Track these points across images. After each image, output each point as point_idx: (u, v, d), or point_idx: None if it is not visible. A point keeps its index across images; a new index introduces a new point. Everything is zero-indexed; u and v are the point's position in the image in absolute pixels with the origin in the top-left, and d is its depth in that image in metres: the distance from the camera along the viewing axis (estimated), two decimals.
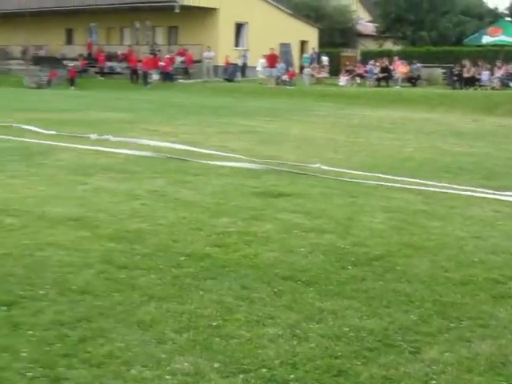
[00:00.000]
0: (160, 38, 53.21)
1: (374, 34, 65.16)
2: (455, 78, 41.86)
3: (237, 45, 52.02)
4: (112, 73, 49.15)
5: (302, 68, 50.85)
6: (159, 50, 49.13)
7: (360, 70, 47.43)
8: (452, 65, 42.99)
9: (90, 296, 5.90)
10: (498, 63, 41.49)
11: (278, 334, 5.22)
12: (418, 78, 44.72)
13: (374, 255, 7.35)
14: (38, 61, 51.37)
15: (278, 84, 44.52)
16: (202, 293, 6.05)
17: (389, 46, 60.81)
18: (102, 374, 4.55)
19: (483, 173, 13.49)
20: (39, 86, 45.90)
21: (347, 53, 57.15)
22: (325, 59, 50.86)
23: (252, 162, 13.47)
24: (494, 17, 62.41)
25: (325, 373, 4.64)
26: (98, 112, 26.16)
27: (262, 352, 4.91)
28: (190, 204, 9.74)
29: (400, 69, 44.43)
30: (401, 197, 10.74)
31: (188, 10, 47.87)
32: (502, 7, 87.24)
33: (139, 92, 40.76)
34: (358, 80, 46.50)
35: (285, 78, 45.23)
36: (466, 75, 41.06)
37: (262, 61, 46.23)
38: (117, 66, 49.63)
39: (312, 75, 47.50)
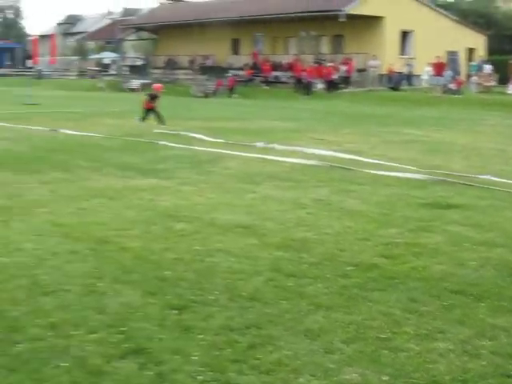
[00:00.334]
0: (325, 47, 53.41)
1: None
2: None
3: (402, 53, 51.38)
4: (277, 82, 49.75)
5: (468, 76, 49.55)
6: (324, 60, 49.30)
7: None
8: None
9: (259, 303, 5.99)
10: None
11: (449, 349, 5.10)
12: None
13: None
14: (205, 70, 52.85)
15: (444, 92, 43.59)
16: (369, 304, 6.01)
17: None
18: (270, 381, 4.61)
19: None
20: (206, 95, 47.22)
21: None
22: (488, 67, 49.21)
23: (418, 173, 13.23)
24: None
25: None
26: (263, 121, 26.55)
27: (432, 367, 4.81)
28: (355, 213, 9.71)
29: None
30: None
31: (353, 18, 47.72)
32: None
33: (303, 101, 41.06)
34: None
35: (452, 86, 44.22)
36: None
37: (428, 69, 45.46)
38: (282, 75, 50.20)
39: (479, 83, 46.18)
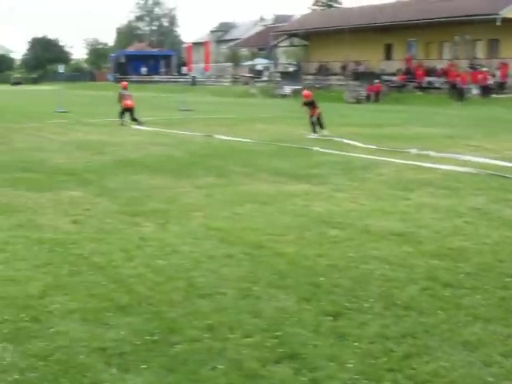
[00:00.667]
0: (480, 51, 51.94)
1: None
2: None
3: None
4: (430, 88, 48.85)
5: None
6: (479, 65, 47.95)
7: None
8: None
9: (414, 312, 5.89)
10: None
11: None
12: None
13: None
14: (358, 76, 52.61)
15: None
16: None
17: None
18: None
19: None
20: (358, 101, 47.01)
21: None
22: None
23: None
24: None
25: None
26: (416, 127, 26.12)
27: None
28: None
29: None
30: None
31: (510, 22, 46.16)
32: None
33: (457, 107, 40.10)
34: None
35: None
36: None
37: None
38: (435, 80, 49.23)
39: None
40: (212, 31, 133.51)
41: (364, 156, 16.48)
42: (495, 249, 7.99)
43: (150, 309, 5.92)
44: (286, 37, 68.44)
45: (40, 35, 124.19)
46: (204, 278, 6.83)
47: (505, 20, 45.99)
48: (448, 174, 13.81)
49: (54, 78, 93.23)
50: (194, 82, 70.99)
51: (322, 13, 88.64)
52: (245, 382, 4.67)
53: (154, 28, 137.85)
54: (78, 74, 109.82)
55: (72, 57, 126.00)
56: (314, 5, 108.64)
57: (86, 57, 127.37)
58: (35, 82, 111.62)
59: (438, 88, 48.07)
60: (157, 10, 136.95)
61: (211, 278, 6.80)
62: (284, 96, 53.93)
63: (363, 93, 48.44)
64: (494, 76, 45.88)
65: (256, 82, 70.28)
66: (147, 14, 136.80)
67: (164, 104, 43.11)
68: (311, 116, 22.12)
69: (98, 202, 10.67)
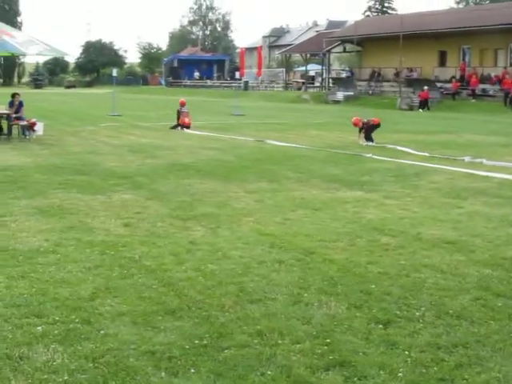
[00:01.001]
0: None
1: None
2: None
3: None
4: (484, 95, 48.25)
5: None
6: None
7: None
8: None
9: (466, 322, 5.81)
10: None
11: None
12: None
13: None
14: (411, 83, 52.21)
15: None
16: None
17: None
18: None
19: None
20: (411, 108, 46.65)
21: None
22: None
23: None
24: None
25: None
26: (470, 135, 25.86)
27: None
28: None
29: None
30: None
31: None
32: None
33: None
34: None
35: None
36: None
37: None
38: (490, 88, 48.61)
39: None
40: (265, 36, 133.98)
41: (417, 163, 16.36)
42: None
43: (199, 313, 5.93)
44: (339, 42, 68.22)
45: (94, 39, 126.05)
46: (254, 283, 6.82)
47: None
48: (502, 182, 13.62)
49: (108, 81, 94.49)
50: (246, 87, 71.27)
51: (375, 19, 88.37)
52: None
53: (207, 33, 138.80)
54: (131, 78, 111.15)
55: (126, 61, 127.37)
56: (367, 11, 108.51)
57: (139, 61, 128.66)
58: (89, 85, 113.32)
59: (492, 96, 47.48)
60: (210, 15, 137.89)
61: (262, 284, 6.79)
62: (336, 102, 53.80)
63: (416, 100, 48.03)
64: None
65: (308, 87, 70.30)
66: (201, 19, 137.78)
67: (216, 109, 43.33)
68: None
69: (149, 206, 10.75)
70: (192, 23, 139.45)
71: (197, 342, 5.30)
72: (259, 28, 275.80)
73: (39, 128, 21.92)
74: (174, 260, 7.61)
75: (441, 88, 50.34)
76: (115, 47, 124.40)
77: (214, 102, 53.31)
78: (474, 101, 47.66)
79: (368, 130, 21.85)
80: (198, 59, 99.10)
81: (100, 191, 11.94)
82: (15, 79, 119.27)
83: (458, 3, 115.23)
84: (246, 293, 6.49)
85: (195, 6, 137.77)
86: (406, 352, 5.18)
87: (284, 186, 12.79)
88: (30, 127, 21.44)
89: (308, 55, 75.93)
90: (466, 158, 17.08)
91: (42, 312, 5.88)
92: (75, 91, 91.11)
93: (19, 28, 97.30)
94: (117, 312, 5.92)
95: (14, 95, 22.46)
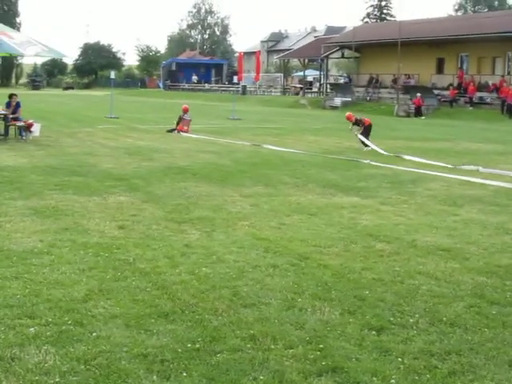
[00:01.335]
0: None
1: None
2: None
3: None
4: (482, 103, 48.32)
5: None
6: None
7: None
8: None
9: (459, 329, 5.80)
10: None
11: None
12: None
13: None
14: (408, 90, 52.24)
15: None
16: None
17: None
18: None
19: None
20: (408, 115, 46.70)
21: None
22: None
23: None
24: None
25: None
26: (467, 142, 25.88)
27: None
28: None
29: None
30: None
31: None
32: None
33: (510, 123, 39.57)
34: None
35: None
36: None
37: None
38: (487, 96, 48.67)
39: None
40: (263, 41, 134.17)
41: (413, 170, 16.36)
42: None
43: (193, 317, 5.91)
44: (337, 48, 68.30)
45: (93, 41, 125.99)
46: (248, 287, 6.81)
47: None
48: (498, 190, 13.63)
49: (106, 83, 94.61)
50: (244, 92, 71.31)
51: (374, 25, 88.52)
52: None
53: (205, 36, 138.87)
54: (129, 81, 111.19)
55: (124, 63, 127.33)
56: (366, 17, 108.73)
57: (137, 63, 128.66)
58: (86, 87, 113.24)
59: (490, 104, 47.55)
60: (209, 19, 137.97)
61: (256, 288, 6.78)
62: (334, 108, 53.83)
63: (413, 107, 48.09)
64: None
65: (306, 92, 70.35)
66: (199, 23, 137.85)
67: (214, 112, 43.33)
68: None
69: (144, 208, 10.74)
70: (191, 27, 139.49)
71: (189, 345, 5.28)
72: (258, 33, 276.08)
73: (36, 129, 21.91)
74: (168, 263, 7.60)
75: (438, 95, 50.37)
76: (113, 49, 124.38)
77: (211, 106, 53.32)
78: (471, 108, 47.71)
79: (363, 132, 21.96)
80: (197, 63, 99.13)
81: (96, 193, 11.92)
82: (13, 80, 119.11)
83: (456, 11, 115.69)
84: (239, 297, 6.48)
85: (194, 10, 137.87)
86: (399, 359, 5.17)
87: (280, 191, 12.78)
88: (27, 128, 21.42)
89: (306, 60, 75.97)
90: (463, 166, 17.12)
91: (34, 313, 5.87)
92: (73, 93, 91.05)
93: (18, 29, 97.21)
94: (110, 314, 5.91)
95: (11, 96, 22.46)
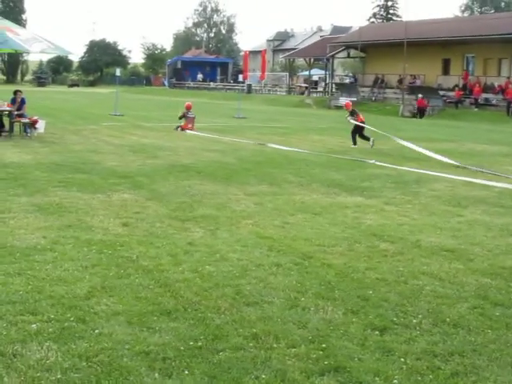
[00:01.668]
0: None
1: None
2: None
3: None
4: (487, 104, 48.24)
5: None
6: None
7: None
8: None
9: (463, 330, 5.78)
10: None
11: None
12: None
13: None
14: (414, 90, 52.17)
15: None
16: None
17: None
18: None
19: None
20: (413, 115, 46.64)
21: None
22: None
23: None
24: None
25: None
26: (472, 143, 25.85)
27: None
28: None
29: None
30: None
31: None
32: None
33: None
34: None
35: None
36: None
37: None
38: (493, 97, 48.59)
39: None
40: (269, 40, 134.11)
41: (418, 170, 16.33)
42: None
43: (195, 314, 5.90)
44: (343, 48, 68.26)
45: (98, 38, 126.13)
46: (251, 286, 6.79)
47: None
48: (503, 192, 13.59)
49: (111, 81, 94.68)
50: (249, 90, 71.29)
51: (380, 25, 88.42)
52: None
53: (211, 35, 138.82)
54: (134, 78, 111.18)
55: (130, 61, 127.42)
56: (372, 17, 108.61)
57: (142, 61, 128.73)
58: (92, 84, 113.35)
59: (495, 105, 47.46)
60: (215, 17, 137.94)
61: (259, 287, 6.77)
62: (339, 107, 53.74)
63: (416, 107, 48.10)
64: None
65: (311, 92, 70.32)
66: (205, 21, 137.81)
67: (219, 111, 43.33)
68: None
69: (148, 206, 10.73)
70: (196, 25, 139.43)
71: (192, 343, 5.27)
72: (264, 31, 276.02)
73: (41, 126, 21.91)
74: (171, 261, 7.59)
75: (444, 96, 50.29)
76: (119, 47, 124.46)
77: (216, 105, 53.31)
78: (476, 110, 47.64)
79: (357, 130, 22.25)
80: (202, 61, 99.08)
81: (100, 190, 11.92)
82: (18, 77, 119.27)
83: (462, 12, 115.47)
84: (242, 295, 6.47)
85: (200, 8, 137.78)
86: (402, 359, 5.15)
87: (284, 190, 12.77)
88: (32, 125, 21.43)
89: (312, 60, 75.90)
90: (467, 167, 17.08)
91: (37, 310, 5.86)
92: (78, 90, 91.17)
93: (24, 26, 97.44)
94: (112, 311, 5.90)
95: (15, 92, 22.46)
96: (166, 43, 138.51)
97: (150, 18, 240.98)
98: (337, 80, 72.51)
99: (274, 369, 4.90)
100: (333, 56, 69.28)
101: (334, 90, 65.49)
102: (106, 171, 14.30)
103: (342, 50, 69.19)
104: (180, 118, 26.82)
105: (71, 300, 6.15)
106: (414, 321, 5.95)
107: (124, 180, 13.17)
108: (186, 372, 4.81)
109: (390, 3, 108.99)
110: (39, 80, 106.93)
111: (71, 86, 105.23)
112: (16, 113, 21.58)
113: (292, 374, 4.82)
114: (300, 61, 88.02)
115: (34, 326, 5.50)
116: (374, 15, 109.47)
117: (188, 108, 26.88)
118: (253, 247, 8.33)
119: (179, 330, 5.52)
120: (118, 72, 40.98)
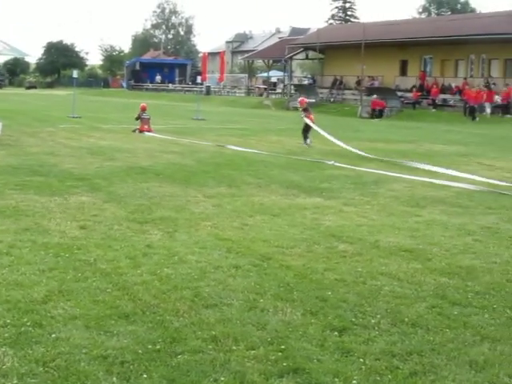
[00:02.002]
0: (496, 70, 51.74)
1: None
2: None
3: None
4: (444, 105, 48.75)
5: None
6: (494, 84, 47.75)
7: None
8: None
9: (421, 330, 5.81)
10: None
11: None
12: None
13: None
14: (372, 91, 52.51)
15: None
16: None
17: None
18: None
19: None
20: (371, 117, 46.94)
21: None
22: None
23: None
24: None
25: None
26: (429, 144, 26.07)
27: None
28: None
29: None
30: None
31: None
32: None
33: (471, 125, 39.94)
34: None
35: None
36: None
37: None
38: (450, 98, 49.13)
39: None
40: (228, 41, 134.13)
41: (376, 171, 16.40)
42: (505, 268, 7.91)
43: (154, 317, 5.86)
44: (301, 49, 68.49)
45: (55, 40, 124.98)
46: (210, 288, 6.76)
47: None
48: (460, 191, 13.72)
49: (68, 83, 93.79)
50: (208, 92, 71.18)
51: (338, 27, 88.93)
52: None
53: (170, 36, 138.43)
54: (92, 80, 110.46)
55: (87, 63, 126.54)
56: (330, 19, 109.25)
57: (100, 63, 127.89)
58: (49, 86, 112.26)
59: (453, 106, 47.98)
60: (173, 19, 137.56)
61: (217, 289, 6.74)
62: (297, 109, 53.92)
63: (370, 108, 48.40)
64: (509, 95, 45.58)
65: (270, 93, 70.43)
66: (164, 23, 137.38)
67: (177, 113, 43.20)
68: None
69: (106, 208, 10.64)
70: (155, 27, 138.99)
71: (150, 346, 5.23)
72: (222, 33, 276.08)
73: None
74: (129, 263, 7.53)
75: (401, 97, 50.71)
76: (76, 49, 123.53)
77: (175, 106, 53.15)
78: (434, 110, 48.10)
79: (306, 129, 22.49)
80: (160, 63, 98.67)
81: (57, 193, 11.79)
82: None
83: (420, 13, 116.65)
84: (201, 298, 6.44)
85: (158, 10, 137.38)
86: (361, 359, 5.16)
87: (243, 192, 12.75)
88: None
89: (271, 61, 76.17)
90: (424, 167, 17.22)
91: None
92: (36, 92, 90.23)
93: None
94: (69, 315, 5.83)
95: None
96: (125, 45, 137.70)
97: (109, 19, 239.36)
98: (295, 81, 72.82)
99: (233, 371, 4.87)
100: (291, 57, 69.50)
101: (292, 92, 65.61)
102: (64, 174, 14.16)
103: (301, 52, 69.41)
104: (137, 119, 26.76)
105: (28, 304, 6.06)
106: (373, 321, 5.96)
107: (81, 182, 13.04)
108: (145, 376, 4.76)
109: (348, 5, 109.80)
110: None
111: (29, 87, 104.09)
112: None
113: (251, 376, 4.80)
114: (259, 62, 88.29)
115: None
116: (333, 17, 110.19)
117: (143, 109, 26.85)
118: (211, 249, 8.30)
119: (137, 334, 5.47)
120: (75, 74, 40.71)
